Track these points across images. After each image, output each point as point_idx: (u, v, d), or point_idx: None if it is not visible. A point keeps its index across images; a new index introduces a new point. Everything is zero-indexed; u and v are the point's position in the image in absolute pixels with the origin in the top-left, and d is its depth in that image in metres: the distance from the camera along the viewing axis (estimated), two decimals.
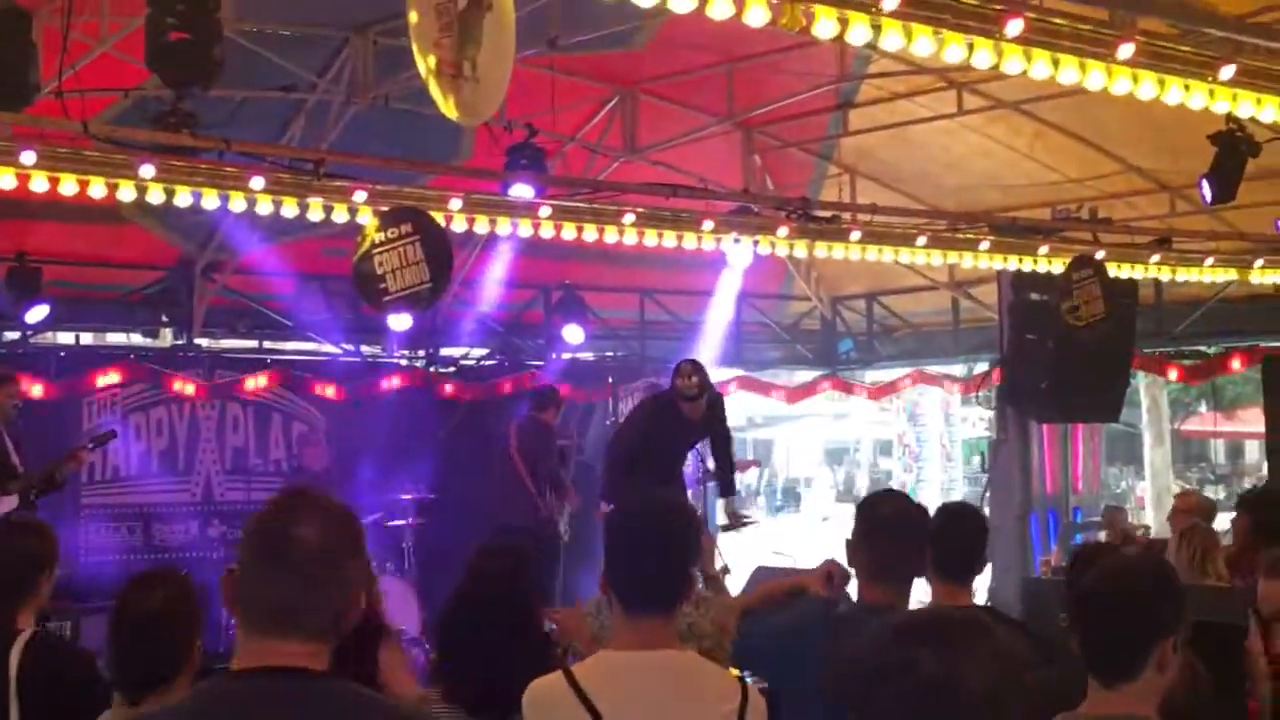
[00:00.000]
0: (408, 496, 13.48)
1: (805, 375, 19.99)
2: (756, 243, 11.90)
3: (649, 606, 3.81)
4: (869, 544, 4.59)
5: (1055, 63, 6.57)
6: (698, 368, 10.97)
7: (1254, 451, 38.81)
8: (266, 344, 15.18)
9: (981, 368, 18.23)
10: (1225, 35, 7.29)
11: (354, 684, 2.85)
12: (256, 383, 14.40)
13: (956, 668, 2.50)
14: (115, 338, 15.39)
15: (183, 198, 9.31)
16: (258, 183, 9.10)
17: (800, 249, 12.39)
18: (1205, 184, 10.21)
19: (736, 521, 12.15)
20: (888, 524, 4.60)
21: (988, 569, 13.96)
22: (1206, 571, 8.92)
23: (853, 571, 4.75)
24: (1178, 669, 3.55)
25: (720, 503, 11.78)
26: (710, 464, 12.37)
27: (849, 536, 4.66)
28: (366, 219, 9.67)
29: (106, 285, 13.92)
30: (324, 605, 2.77)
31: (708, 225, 11.25)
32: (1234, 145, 9.82)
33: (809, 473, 49.71)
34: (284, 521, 2.81)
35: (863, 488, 43.95)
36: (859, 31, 6.05)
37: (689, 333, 17.12)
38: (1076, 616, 3.64)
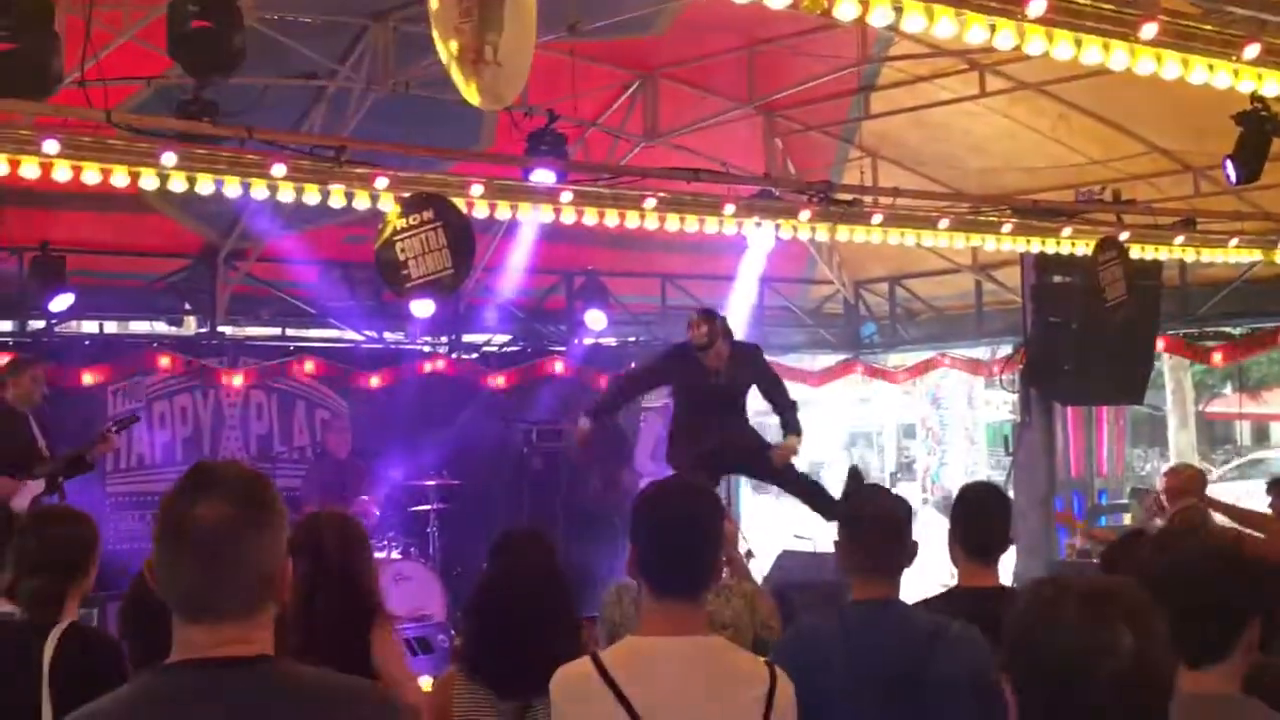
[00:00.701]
0: (431, 482, 13.50)
1: (828, 359, 19.96)
2: (778, 227, 11.88)
3: (677, 590, 3.80)
4: (859, 542, 4.55)
5: (1078, 43, 6.54)
6: (708, 317, 10.57)
7: None
8: (289, 331, 15.22)
9: (1005, 350, 18.17)
10: (1250, 14, 7.25)
11: (283, 663, 2.75)
12: (300, 370, 14.44)
13: (1150, 646, 2.40)
14: (139, 326, 15.44)
15: (205, 186, 9.33)
16: (279, 170, 9.12)
17: (822, 233, 12.36)
18: (1229, 164, 10.17)
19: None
20: (875, 521, 4.56)
21: (1013, 551, 14.00)
22: None
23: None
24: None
25: (784, 442, 11.17)
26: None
27: (836, 537, 4.65)
28: (388, 206, 9.69)
29: (130, 274, 13.98)
30: (234, 586, 2.68)
31: (729, 209, 11.24)
32: (1259, 124, 9.77)
33: (826, 457, 49.69)
34: (183, 503, 2.72)
35: (873, 471, 43.98)
36: (880, 13, 6.03)
37: None
38: (1170, 597, 3.63)
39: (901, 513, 4.64)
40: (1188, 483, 10.02)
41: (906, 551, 4.56)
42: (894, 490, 5.71)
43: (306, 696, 2.74)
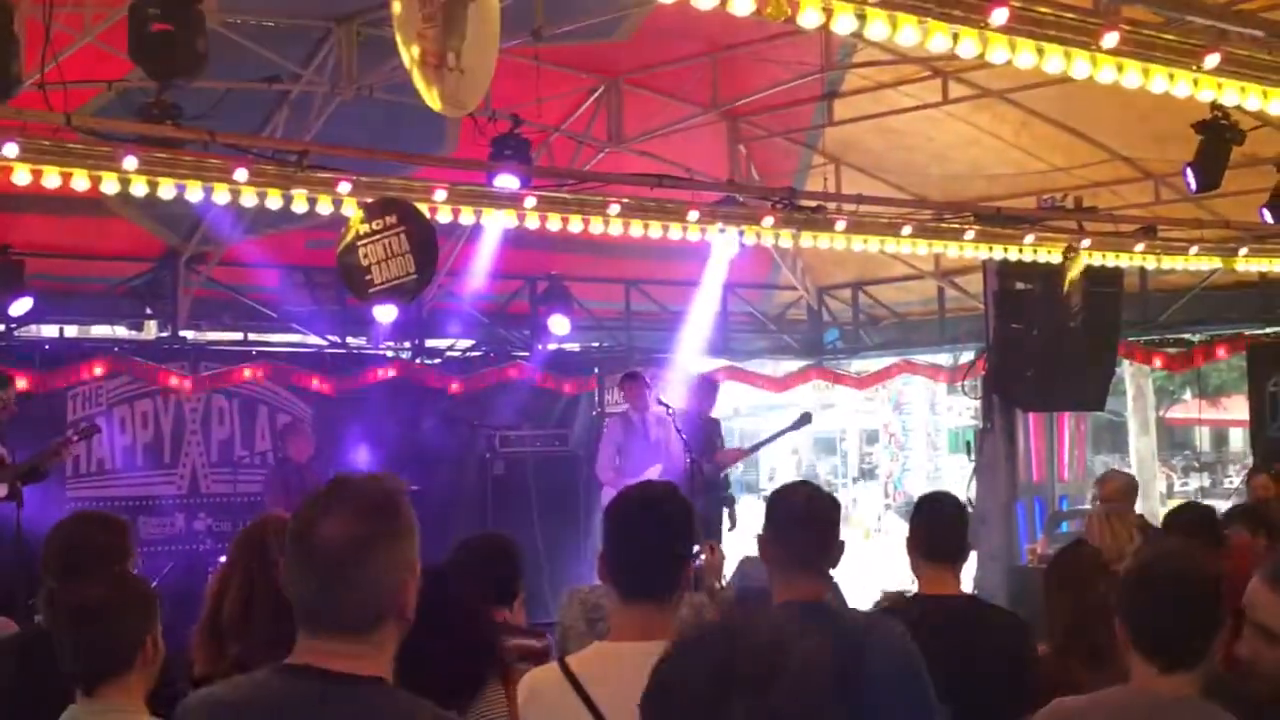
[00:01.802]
0: None
1: (791, 365, 20.01)
2: (742, 233, 11.90)
3: (645, 593, 3.82)
4: (780, 539, 4.52)
5: (1040, 51, 6.57)
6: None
7: (1238, 439, 38.94)
8: (251, 336, 15.14)
9: (967, 357, 18.25)
10: (1210, 24, 7.30)
11: (392, 690, 2.78)
12: (246, 375, 14.36)
13: None
14: (100, 330, 15.35)
15: (166, 190, 9.28)
16: (242, 174, 9.07)
17: (786, 239, 12.40)
18: (1190, 172, 10.23)
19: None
20: (800, 515, 4.52)
21: (974, 557, 14.05)
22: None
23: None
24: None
25: None
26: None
27: (760, 532, 4.62)
28: (351, 210, 9.66)
29: (91, 278, 13.86)
30: (351, 603, 2.72)
31: (693, 215, 11.25)
32: (1219, 133, 9.83)
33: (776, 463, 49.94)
34: (310, 517, 2.77)
35: (835, 477, 44.17)
36: (844, 21, 6.04)
37: (675, 323, 17.11)
38: (1142, 600, 3.66)
39: (829, 509, 4.63)
40: (1122, 490, 10.12)
41: (833, 549, 4.54)
42: (855, 495, 5.74)
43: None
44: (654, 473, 13.38)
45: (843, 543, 4.55)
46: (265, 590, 4.84)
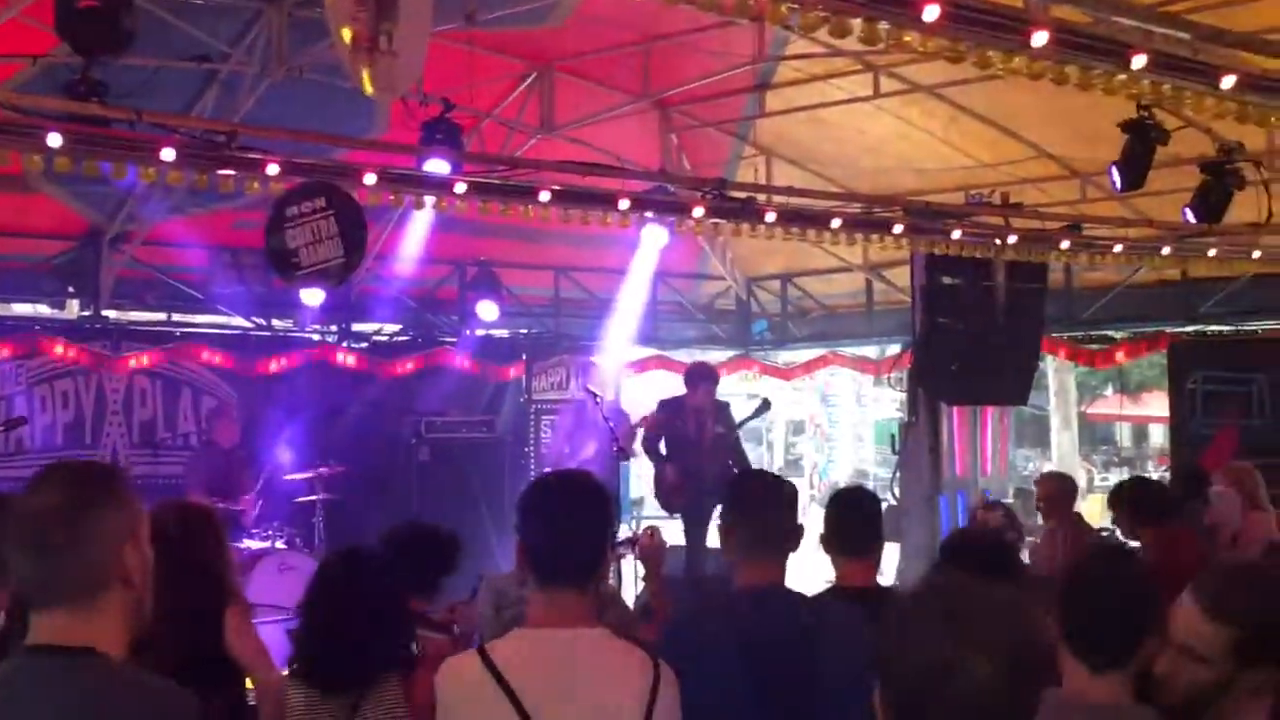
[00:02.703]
0: (318, 472, 13.38)
1: (720, 355, 20.07)
2: (672, 223, 11.90)
3: (563, 579, 3.83)
4: (743, 522, 4.58)
5: (971, 49, 6.61)
6: None
7: (1158, 435, 39.39)
8: (176, 316, 15.01)
9: (894, 350, 18.39)
10: (1137, 24, 7.37)
11: (113, 661, 2.79)
12: (187, 356, 14.26)
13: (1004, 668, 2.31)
14: (21, 308, 15.16)
15: (91, 168, 9.15)
16: (169, 154, 8.94)
17: (715, 230, 12.41)
18: (1115, 171, 10.33)
19: None
20: (759, 500, 4.61)
21: (896, 549, 14.16)
22: None
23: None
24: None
25: None
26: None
27: (720, 520, 4.68)
28: (280, 192, 9.57)
29: (13, 255, 13.69)
30: (66, 572, 2.77)
31: (623, 204, 11.22)
32: (1144, 133, 9.93)
33: None
34: (23, 497, 2.86)
35: (761, 467, 44.36)
36: (777, 13, 6.05)
37: (604, 311, 17.15)
38: (1077, 600, 3.70)
39: (789, 493, 4.68)
40: (1062, 492, 10.30)
41: (794, 533, 4.60)
42: None
43: (106, 694, 2.76)
44: (589, 451, 13.51)
45: (801, 527, 4.61)
46: (170, 571, 4.82)
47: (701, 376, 13.80)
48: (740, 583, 4.53)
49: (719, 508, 4.77)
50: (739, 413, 13.55)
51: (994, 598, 2.42)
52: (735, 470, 13.22)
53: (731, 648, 4.21)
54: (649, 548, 6.41)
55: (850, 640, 4.35)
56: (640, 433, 13.65)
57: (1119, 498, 9.34)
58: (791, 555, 4.58)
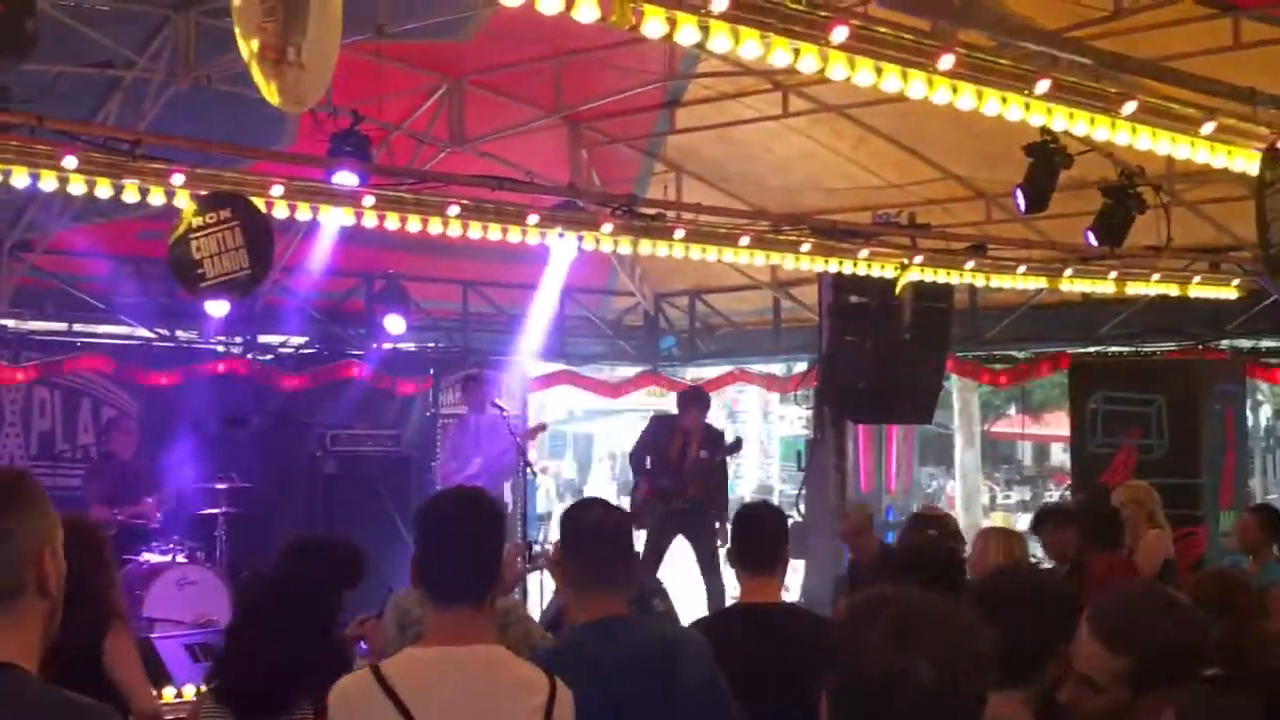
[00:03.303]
0: (220, 485, 13.22)
1: (627, 370, 20.10)
2: (581, 238, 11.90)
3: (458, 597, 3.82)
4: (577, 554, 4.56)
5: (879, 71, 6.67)
6: None
7: (1059, 453, 39.89)
8: (77, 326, 14.77)
9: (801, 367, 18.51)
10: (1042, 50, 7.48)
11: (24, 676, 2.63)
12: (87, 366, 14.05)
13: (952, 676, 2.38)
14: None
15: None
16: (70, 162, 8.82)
17: (625, 246, 12.43)
18: (1019, 193, 10.46)
19: None
20: (593, 532, 4.56)
21: (801, 566, 14.24)
22: None
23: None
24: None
25: None
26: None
27: (551, 551, 4.64)
28: (184, 202, 9.46)
29: None
30: None
31: (533, 219, 11.22)
32: (1048, 156, 10.07)
33: (598, 467, 50.26)
34: None
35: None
36: (687, 32, 6.07)
37: (512, 325, 17.12)
38: (986, 618, 3.72)
39: (622, 527, 4.66)
40: (864, 522, 10.89)
41: (634, 569, 4.58)
42: None
43: (28, 715, 2.60)
44: (473, 467, 13.50)
45: (637, 556, 4.57)
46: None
47: (691, 400, 14.06)
48: (580, 617, 4.51)
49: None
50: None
51: (937, 608, 2.46)
52: (715, 495, 13.51)
53: (582, 679, 4.16)
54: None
55: (702, 668, 4.37)
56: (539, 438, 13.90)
57: (1064, 519, 9.45)
58: (632, 589, 4.56)
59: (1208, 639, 3.86)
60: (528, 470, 15.08)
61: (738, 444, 14.60)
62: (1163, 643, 3.59)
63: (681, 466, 13.46)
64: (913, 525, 8.91)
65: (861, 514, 11.23)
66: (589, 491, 48.24)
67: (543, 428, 15.66)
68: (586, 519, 4.63)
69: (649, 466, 13.76)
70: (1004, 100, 7.23)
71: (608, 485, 48.40)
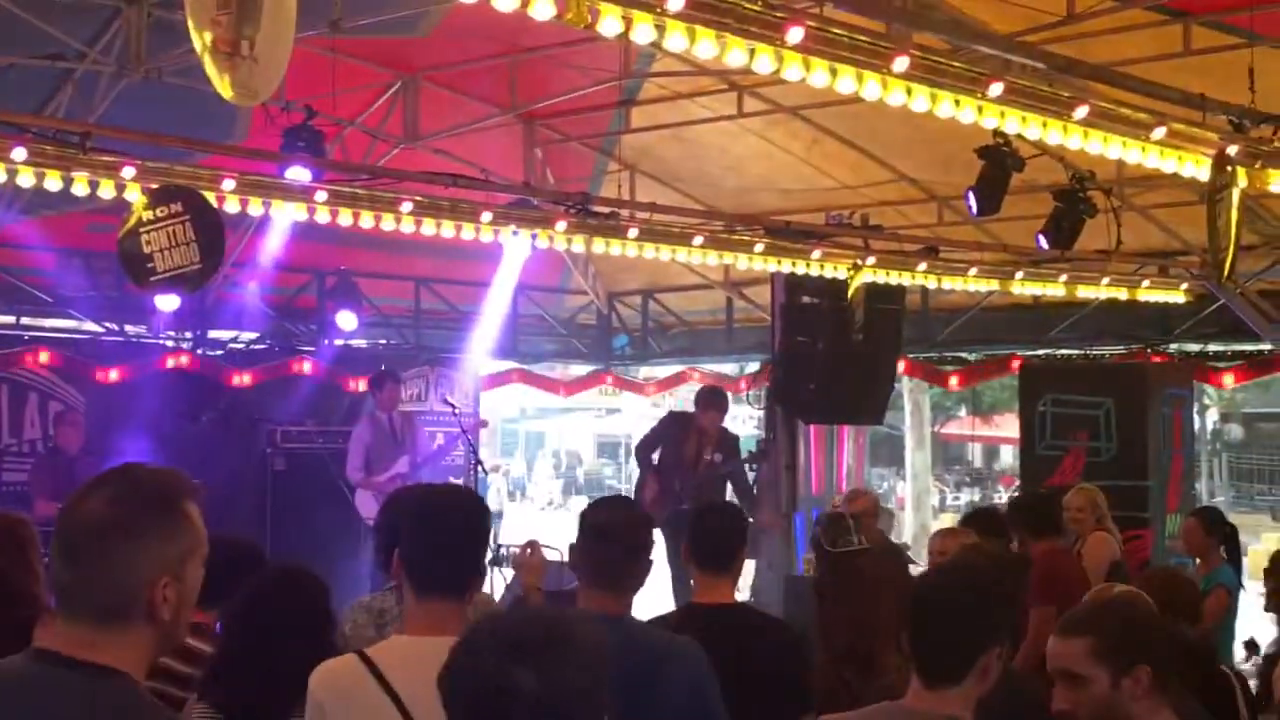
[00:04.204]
0: None
1: (580, 369, 20.11)
2: (535, 236, 11.89)
3: (440, 590, 3.88)
4: (589, 551, 4.62)
5: (833, 72, 6.68)
6: None
7: (1008, 455, 40.17)
8: (24, 320, 14.63)
9: (753, 367, 18.55)
10: (996, 54, 7.52)
11: (129, 683, 2.64)
12: (34, 360, 13.90)
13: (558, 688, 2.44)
14: None
15: None
16: (19, 154, 8.74)
17: (578, 244, 12.42)
18: (971, 196, 10.52)
19: None
20: (607, 531, 4.63)
21: (751, 566, 14.25)
22: None
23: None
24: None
25: None
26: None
27: (572, 542, 4.72)
28: (135, 196, 9.39)
29: None
30: (95, 585, 2.63)
31: (486, 217, 11.20)
32: (1000, 160, 10.14)
33: (541, 464, 50.45)
34: (78, 496, 2.71)
35: (619, 482, 44.70)
36: (643, 30, 6.07)
37: (465, 323, 17.09)
38: (910, 616, 3.77)
39: (638, 528, 4.70)
40: (872, 507, 10.65)
41: (642, 570, 4.62)
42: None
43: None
44: (401, 465, 13.43)
45: (651, 562, 4.63)
46: None
47: (707, 401, 13.88)
48: (588, 607, 4.55)
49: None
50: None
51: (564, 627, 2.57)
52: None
53: None
54: (528, 562, 6.41)
55: (693, 676, 4.40)
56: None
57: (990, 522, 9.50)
58: (639, 588, 4.60)
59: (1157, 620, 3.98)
60: (479, 468, 15.04)
61: (752, 456, 14.53)
62: (1118, 618, 3.82)
63: (693, 469, 13.34)
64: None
65: (869, 499, 11.00)
66: (532, 489, 48.49)
67: (484, 423, 15.54)
68: (595, 517, 4.71)
69: (658, 464, 13.64)
70: (957, 103, 7.26)
71: (551, 482, 48.61)
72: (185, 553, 2.72)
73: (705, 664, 4.49)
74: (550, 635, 2.51)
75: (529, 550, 6.47)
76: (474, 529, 4.00)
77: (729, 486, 13.65)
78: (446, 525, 3.94)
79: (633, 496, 13.77)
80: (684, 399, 34.27)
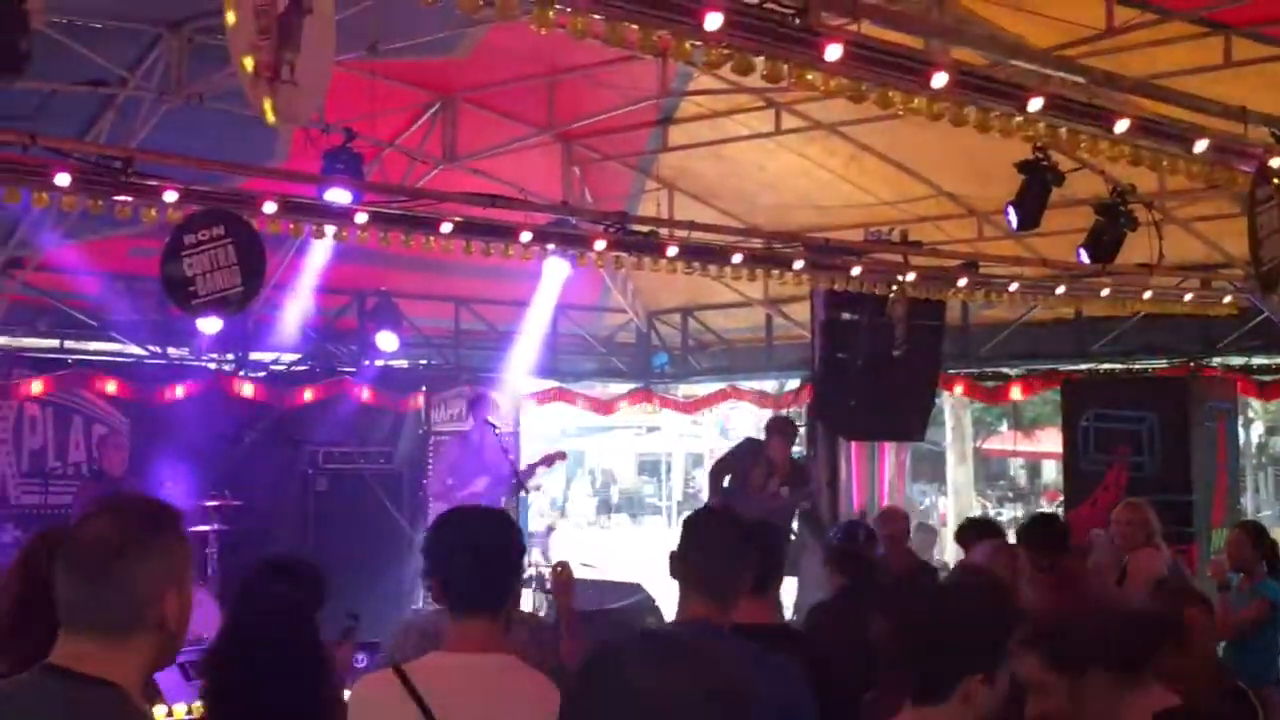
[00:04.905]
0: (212, 503, 13.18)
1: (620, 388, 20.09)
2: (574, 256, 11.90)
3: (476, 606, 3.97)
4: (688, 558, 4.67)
5: (872, 89, 6.68)
6: None
7: (1051, 470, 39.91)
8: (69, 344, 14.74)
9: (793, 384, 18.49)
10: (1034, 68, 7.50)
11: (123, 694, 2.80)
12: (79, 384, 14.02)
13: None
14: None
15: None
16: (63, 179, 8.80)
17: (617, 263, 12.42)
18: (1011, 211, 10.46)
19: None
20: (706, 539, 4.69)
21: (793, 584, 14.21)
22: None
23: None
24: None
25: None
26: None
27: (673, 549, 4.76)
28: (177, 220, 9.45)
29: None
30: (105, 601, 2.81)
31: (525, 237, 11.21)
32: (1040, 174, 10.08)
33: (578, 483, 50.42)
34: (82, 520, 2.93)
35: (660, 499, 44.72)
36: (682, 50, 6.08)
37: (504, 342, 17.11)
38: (893, 636, 3.81)
39: (737, 537, 4.73)
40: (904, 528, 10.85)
41: (737, 576, 4.64)
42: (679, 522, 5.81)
43: None
44: (479, 485, 13.46)
45: (779, 565, 4.70)
46: (41, 605, 4.71)
47: (774, 429, 13.91)
48: (680, 616, 4.65)
49: None
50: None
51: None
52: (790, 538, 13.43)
53: (649, 679, 4.19)
54: (559, 582, 6.42)
55: (781, 686, 4.42)
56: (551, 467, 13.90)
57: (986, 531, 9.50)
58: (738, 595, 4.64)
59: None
60: (522, 488, 15.07)
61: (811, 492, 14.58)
62: (1061, 628, 4.01)
63: (759, 499, 13.24)
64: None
65: (901, 522, 11.07)
66: (570, 507, 48.53)
67: (562, 456, 15.52)
68: (701, 526, 4.81)
69: (726, 489, 13.62)
70: (996, 118, 7.24)
71: (587, 500, 48.60)
72: (184, 566, 2.97)
73: (800, 681, 4.53)
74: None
75: (559, 570, 6.50)
76: (505, 546, 4.09)
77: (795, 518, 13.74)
78: (477, 544, 4.03)
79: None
80: (724, 416, 34.34)
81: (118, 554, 2.82)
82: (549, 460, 14.97)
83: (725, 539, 4.71)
